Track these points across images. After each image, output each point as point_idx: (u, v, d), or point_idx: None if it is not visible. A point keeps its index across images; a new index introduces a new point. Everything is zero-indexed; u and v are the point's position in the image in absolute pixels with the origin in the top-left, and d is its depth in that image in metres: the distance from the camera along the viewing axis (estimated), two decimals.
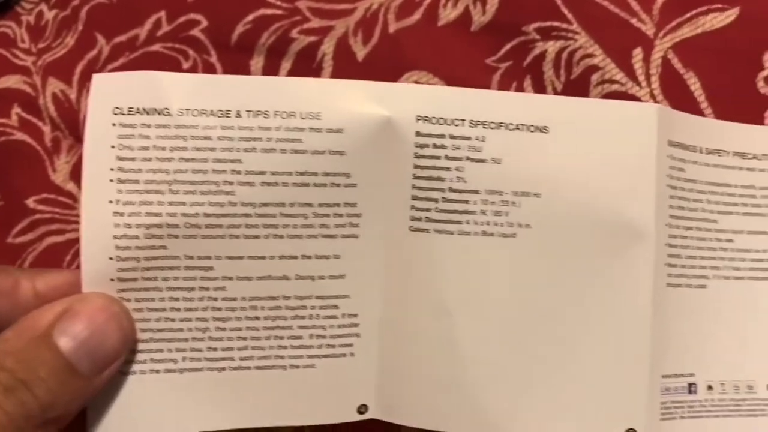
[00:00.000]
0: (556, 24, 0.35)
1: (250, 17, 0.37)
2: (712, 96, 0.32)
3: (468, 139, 0.25)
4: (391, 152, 0.25)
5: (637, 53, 0.34)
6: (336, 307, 0.26)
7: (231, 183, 0.25)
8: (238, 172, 0.25)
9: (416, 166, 0.25)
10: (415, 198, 0.26)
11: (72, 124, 0.38)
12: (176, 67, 0.37)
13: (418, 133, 0.25)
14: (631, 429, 0.26)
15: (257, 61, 0.37)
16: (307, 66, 0.36)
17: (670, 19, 0.34)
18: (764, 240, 0.29)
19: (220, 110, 0.25)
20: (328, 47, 0.36)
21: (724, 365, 0.28)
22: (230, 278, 0.25)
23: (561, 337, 0.26)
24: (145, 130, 0.25)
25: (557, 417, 0.26)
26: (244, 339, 0.26)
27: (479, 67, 0.35)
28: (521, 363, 0.26)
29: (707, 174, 0.28)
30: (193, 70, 0.37)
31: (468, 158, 0.25)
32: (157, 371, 0.26)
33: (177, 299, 0.25)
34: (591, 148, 0.26)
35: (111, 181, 0.25)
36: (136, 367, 0.26)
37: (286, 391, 0.26)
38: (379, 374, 0.27)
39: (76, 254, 0.35)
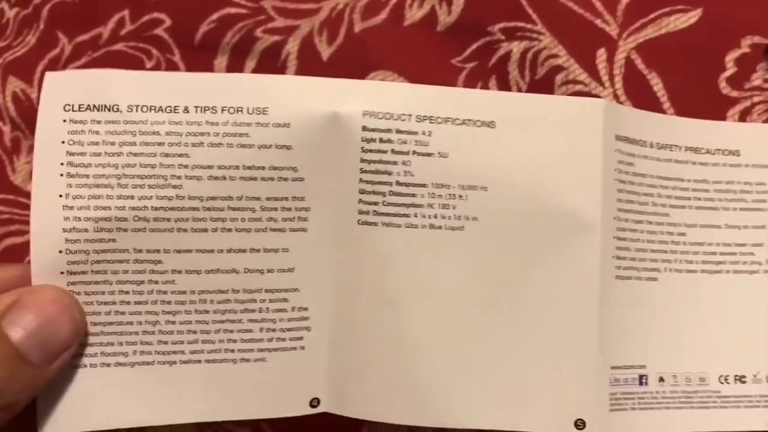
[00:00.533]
0: (521, 24, 0.35)
1: (215, 16, 0.37)
2: (674, 97, 0.33)
3: (415, 133, 0.26)
4: (338, 147, 0.26)
5: (601, 54, 0.34)
6: (286, 300, 0.26)
7: (179, 177, 0.25)
8: (186, 167, 0.25)
9: (363, 160, 0.26)
10: (362, 192, 0.26)
11: (32, 124, 0.37)
12: (139, 67, 0.37)
13: (364, 128, 0.26)
14: (580, 419, 0.26)
15: (221, 61, 0.36)
16: (271, 65, 0.36)
17: (634, 20, 0.34)
18: (717, 234, 0.29)
19: (168, 106, 0.25)
20: (292, 46, 0.36)
21: (675, 357, 0.28)
22: (179, 272, 0.25)
23: (508, 327, 0.26)
24: (95, 126, 0.25)
25: (506, 406, 0.26)
26: (194, 332, 0.26)
27: (445, 67, 0.35)
28: (470, 353, 0.26)
29: (658, 168, 0.29)
30: (156, 69, 0.37)
31: (415, 152, 0.26)
32: (108, 364, 0.26)
33: (127, 292, 0.25)
34: (537, 142, 0.26)
35: (61, 175, 0.25)
36: (86, 360, 0.26)
37: (237, 385, 0.26)
38: (330, 368, 0.27)
39: None
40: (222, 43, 0.36)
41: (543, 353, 0.26)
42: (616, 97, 0.33)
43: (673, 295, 0.28)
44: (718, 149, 0.30)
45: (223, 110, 0.25)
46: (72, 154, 0.25)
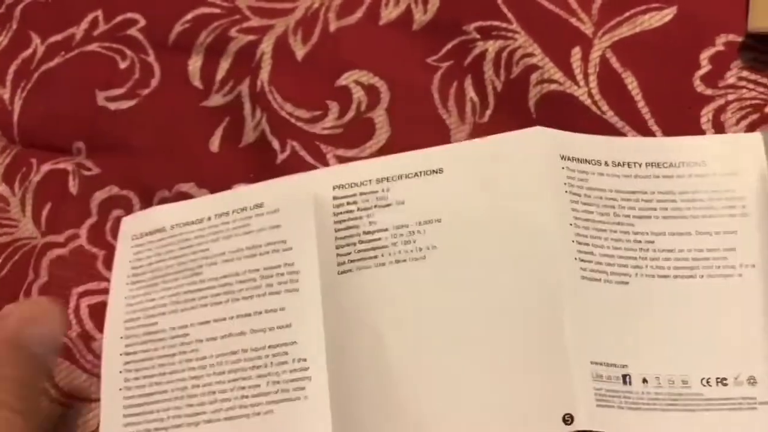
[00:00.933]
0: (496, 23, 0.35)
1: (189, 16, 0.36)
2: (649, 95, 0.32)
3: (375, 192, 0.31)
4: (315, 217, 0.31)
5: (576, 52, 0.34)
6: (286, 353, 0.29)
7: (201, 266, 0.31)
8: (206, 257, 0.31)
9: (336, 222, 0.31)
10: (338, 246, 0.31)
11: (5, 124, 0.37)
12: (113, 67, 0.36)
13: (335, 197, 0.32)
14: (568, 414, 0.27)
15: (195, 61, 0.36)
16: (245, 65, 0.36)
17: (609, 18, 0.34)
18: (687, 240, 0.29)
19: (197, 219, 0.32)
20: (267, 46, 0.36)
21: (657, 359, 0.28)
22: (201, 340, 0.30)
23: (482, 338, 0.28)
24: (149, 245, 0.32)
25: (495, 417, 0.27)
26: (214, 393, 0.29)
27: (420, 67, 0.35)
28: (451, 370, 0.28)
29: (616, 183, 0.31)
30: (130, 69, 0.36)
31: (376, 206, 0.31)
32: (149, 430, 0.29)
33: (163, 365, 0.30)
34: (481, 174, 0.31)
35: (126, 284, 0.32)
36: (131, 429, 0.29)
37: None
38: (333, 413, 0.28)
39: (9, 257, 0.34)
40: (196, 44, 0.36)
41: (519, 357, 0.28)
42: (590, 96, 0.33)
43: (648, 299, 0.29)
44: (683, 162, 0.30)
45: (233, 212, 0.32)
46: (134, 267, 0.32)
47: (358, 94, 0.34)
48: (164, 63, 0.36)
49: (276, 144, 0.34)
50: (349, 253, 0.30)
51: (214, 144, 0.34)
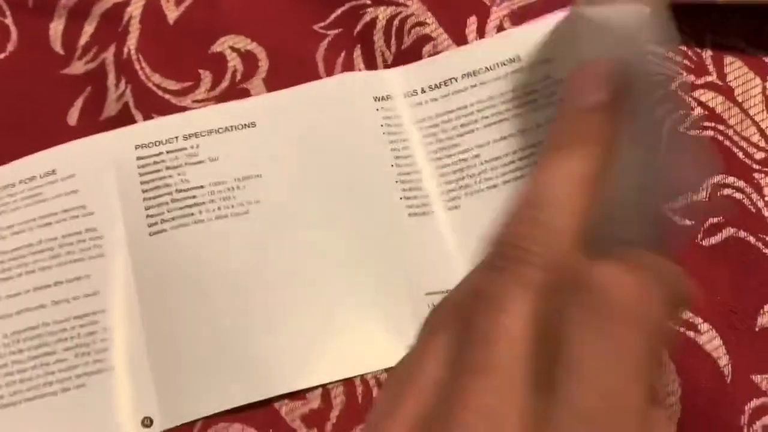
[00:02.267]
0: None
1: None
2: None
3: (183, 149, 0.30)
4: (117, 180, 0.29)
5: (472, 22, 0.31)
6: (96, 322, 0.28)
7: None
8: None
9: (143, 182, 0.29)
10: (148, 207, 0.29)
11: None
12: None
13: (139, 158, 0.30)
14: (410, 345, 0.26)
15: (57, 24, 0.32)
16: (112, 30, 0.32)
17: None
18: (510, 143, 0.29)
19: None
20: (135, 9, 0.32)
21: None
22: None
23: (316, 282, 0.28)
24: None
25: (335, 356, 0.27)
26: (12, 374, 0.27)
27: (305, 34, 0.32)
28: (283, 318, 0.28)
29: (435, 107, 0.30)
30: None
31: (187, 163, 0.29)
32: None
33: None
34: (296, 125, 0.30)
35: None
36: None
37: (61, 418, 0.27)
38: (157, 383, 0.27)
39: None
40: (58, 6, 0.33)
41: (351, 297, 0.28)
42: None
43: (473, 219, 0.28)
44: (497, 62, 0.30)
45: (19, 183, 0.30)
46: None
47: (233, 61, 0.31)
48: (23, 26, 0.33)
49: (140, 118, 0.30)
50: (162, 213, 0.29)
51: (72, 117, 0.31)
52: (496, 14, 0.31)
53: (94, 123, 0.31)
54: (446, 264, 0.28)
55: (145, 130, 0.30)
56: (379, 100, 0.30)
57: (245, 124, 0.30)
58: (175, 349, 0.27)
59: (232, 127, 0.30)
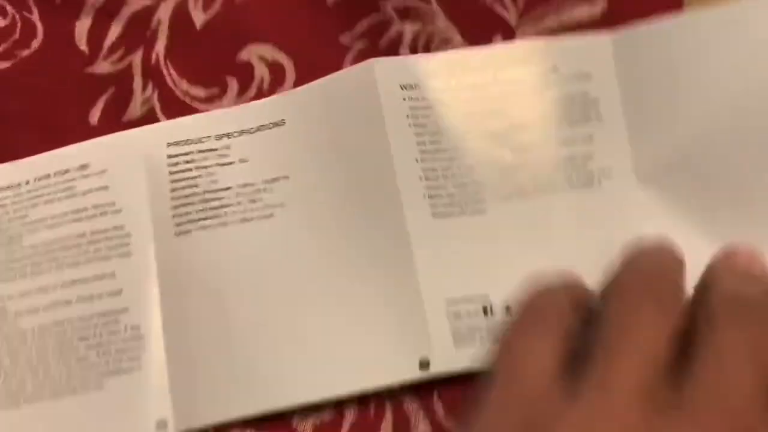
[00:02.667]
0: (414, 4, 0.32)
1: None
2: None
3: (215, 150, 0.29)
4: (147, 177, 0.29)
5: (497, 41, 0.31)
6: (117, 321, 0.28)
7: (20, 234, 0.29)
8: (25, 224, 0.29)
9: (172, 181, 0.29)
10: (175, 207, 0.29)
11: None
12: None
13: (170, 156, 0.29)
14: (424, 358, 0.26)
15: (84, 23, 0.33)
16: (140, 32, 0.32)
17: (535, 8, 0.31)
18: (555, 154, 0.28)
19: (13, 183, 0.30)
20: (164, 13, 0.32)
21: (520, 283, 0.27)
22: (21, 313, 0.28)
23: (334, 290, 0.27)
24: None
25: (345, 368, 0.27)
26: (36, 370, 0.27)
27: (331, 45, 0.32)
28: (299, 326, 0.27)
29: (467, 105, 0.29)
30: (11, 27, 0.33)
31: (217, 164, 0.29)
32: None
33: None
34: (323, 120, 0.29)
35: None
36: None
37: (80, 416, 0.27)
38: (172, 385, 0.27)
39: None
40: (87, 3, 0.33)
41: (370, 305, 0.27)
42: None
43: (506, 223, 0.28)
44: (537, 69, 0.29)
45: (54, 174, 0.29)
46: None
47: (261, 71, 0.31)
48: (49, 23, 0.33)
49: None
50: (188, 213, 0.28)
51: (94, 116, 0.31)
52: (521, 35, 0.31)
53: (116, 123, 0.31)
54: (469, 269, 0.27)
55: (179, 127, 0.30)
56: (406, 88, 0.29)
57: (275, 122, 0.30)
58: (193, 354, 0.27)
59: (263, 126, 0.29)
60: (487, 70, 0.29)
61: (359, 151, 0.28)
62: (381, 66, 0.29)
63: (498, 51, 0.30)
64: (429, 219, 0.27)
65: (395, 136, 0.28)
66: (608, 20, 0.31)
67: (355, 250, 0.28)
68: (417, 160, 0.28)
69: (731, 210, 0.27)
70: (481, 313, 0.27)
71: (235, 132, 0.29)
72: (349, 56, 0.32)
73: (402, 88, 0.29)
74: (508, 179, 0.28)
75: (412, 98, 0.29)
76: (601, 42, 0.29)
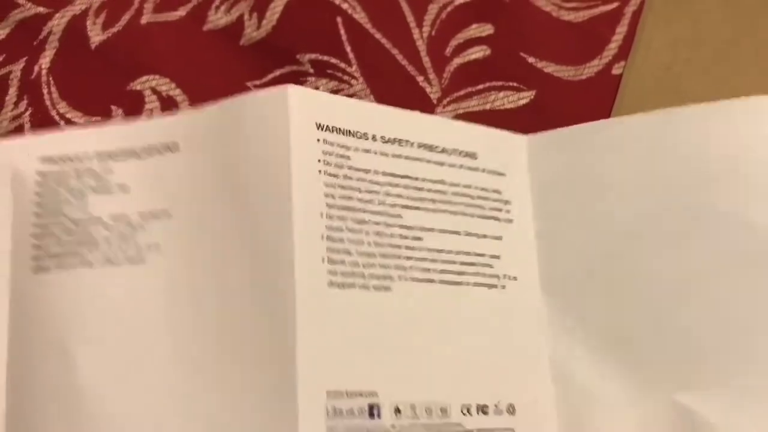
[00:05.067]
0: (333, 61, 0.30)
1: None
2: None
3: (93, 171, 0.25)
4: (14, 197, 0.25)
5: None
6: None
7: None
8: None
9: (38, 203, 0.25)
10: (36, 236, 0.24)
11: None
12: None
13: (39, 173, 0.25)
14: None
15: None
16: (26, 42, 0.29)
17: (461, 87, 0.29)
18: (456, 241, 0.26)
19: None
20: (57, 25, 0.29)
21: (414, 383, 0.24)
22: None
23: (198, 365, 0.23)
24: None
25: None
26: None
27: (236, 89, 0.29)
28: (160, 405, 0.23)
29: (385, 164, 0.25)
30: None
31: (91, 188, 0.25)
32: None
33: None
34: (220, 151, 0.25)
35: None
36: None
37: None
38: None
39: None
40: None
41: (240, 390, 0.23)
42: None
43: (409, 309, 0.24)
44: (455, 149, 0.27)
45: None
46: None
47: (151, 104, 0.29)
48: None
49: None
50: (50, 246, 0.24)
51: None
52: (440, 114, 0.29)
53: None
54: (360, 357, 0.24)
55: (55, 141, 0.26)
56: (323, 129, 0.25)
57: (166, 145, 0.25)
58: (36, 420, 0.24)
59: (151, 148, 0.25)
60: (411, 134, 0.26)
61: (256, 191, 0.24)
62: (297, 96, 0.25)
63: (424, 119, 0.28)
64: (323, 287, 0.23)
65: (300, 182, 0.24)
66: (534, 111, 0.29)
67: (230, 317, 0.23)
68: (321, 215, 0.24)
69: (639, 329, 0.26)
70: (366, 414, 0.23)
71: (120, 154, 0.25)
72: None
73: (318, 128, 0.25)
74: (416, 259, 0.25)
75: (327, 141, 0.25)
76: (516, 141, 0.28)
